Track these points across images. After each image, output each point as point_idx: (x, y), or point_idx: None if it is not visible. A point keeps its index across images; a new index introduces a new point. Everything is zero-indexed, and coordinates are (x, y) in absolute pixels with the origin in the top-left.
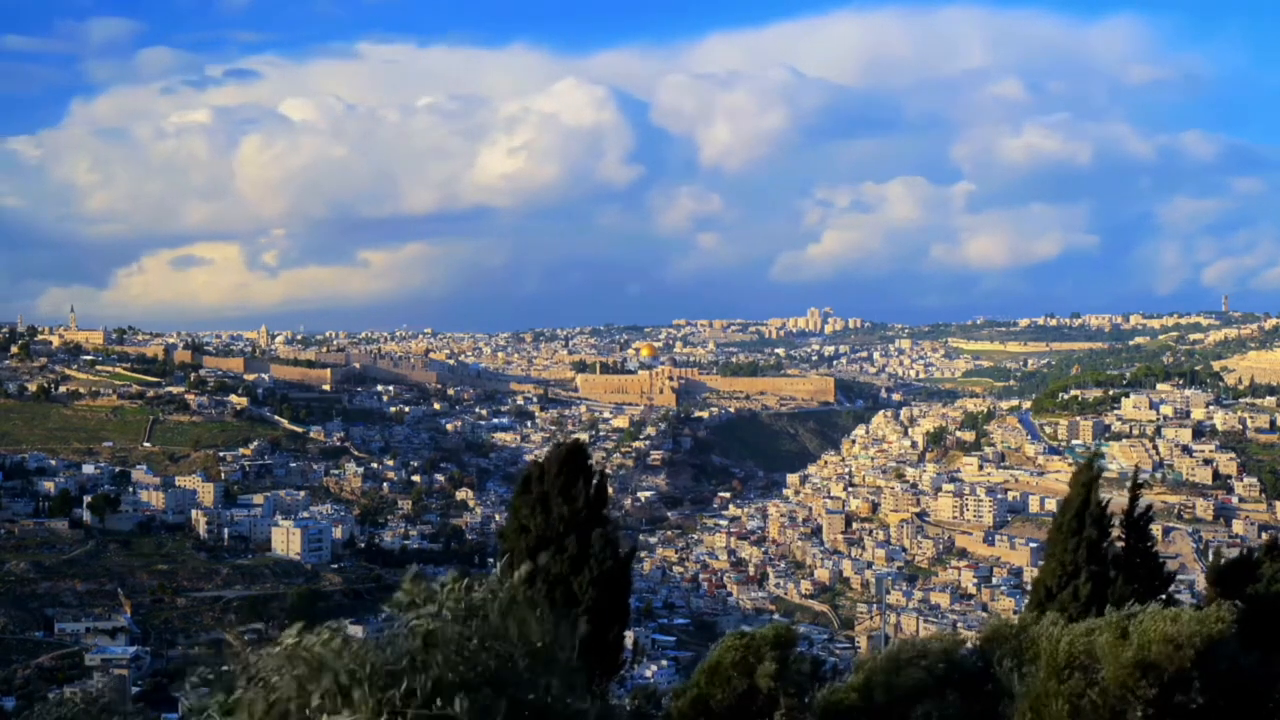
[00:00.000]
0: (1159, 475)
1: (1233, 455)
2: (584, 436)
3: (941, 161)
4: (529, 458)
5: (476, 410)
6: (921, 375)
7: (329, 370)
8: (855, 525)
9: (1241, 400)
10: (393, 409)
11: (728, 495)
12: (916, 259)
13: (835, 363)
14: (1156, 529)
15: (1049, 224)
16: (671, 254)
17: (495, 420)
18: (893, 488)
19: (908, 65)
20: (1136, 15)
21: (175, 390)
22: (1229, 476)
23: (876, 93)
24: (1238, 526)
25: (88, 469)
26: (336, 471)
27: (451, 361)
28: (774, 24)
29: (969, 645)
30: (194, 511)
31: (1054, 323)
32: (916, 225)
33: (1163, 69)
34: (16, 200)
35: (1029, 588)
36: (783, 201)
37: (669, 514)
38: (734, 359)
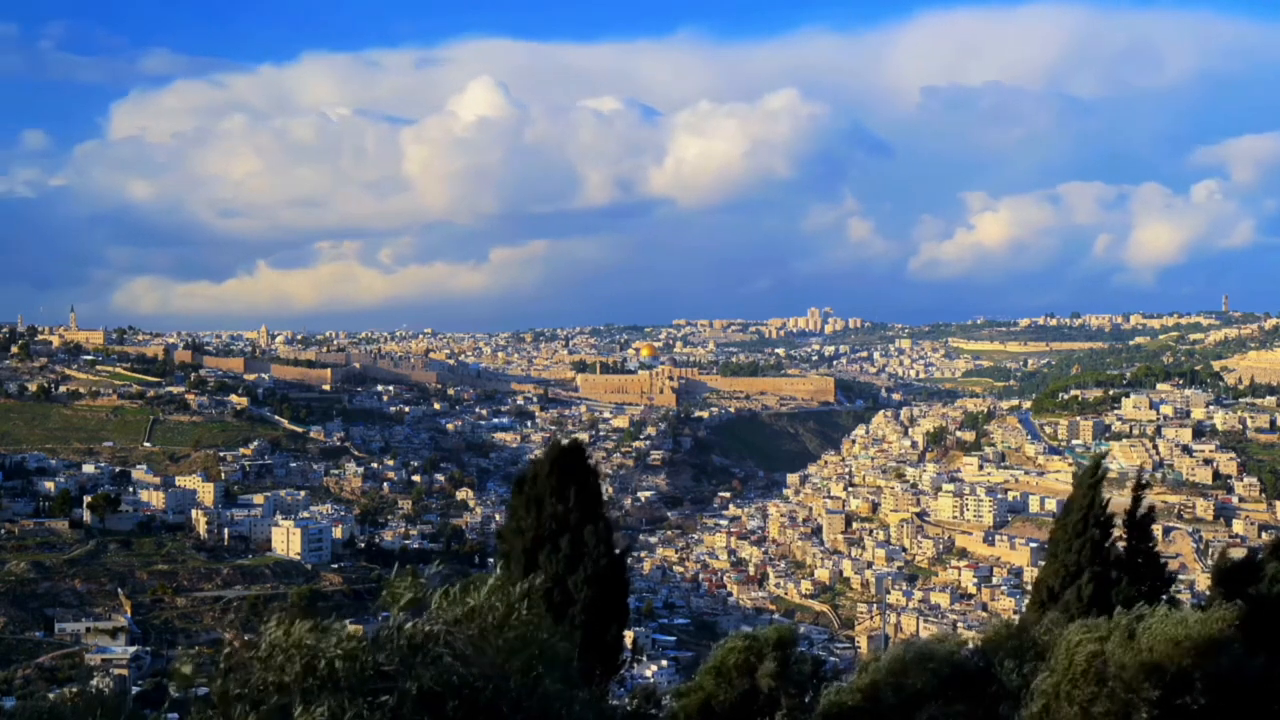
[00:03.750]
0: (1159, 475)
1: (1233, 455)
2: (584, 436)
3: (1123, 162)
4: (529, 458)
5: (476, 410)
6: (921, 375)
7: (329, 370)
8: (855, 525)
9: (1241, 400)
10: (393, 409)
11: (728, 495)
12: (1063, 258)
13: (835, 363)
14: (1157, 529)
15: (1230, 223)
16: (817, 247)
17: (495, 420)
18: (893, 488)
19: (1098, 63)
20: None
21: (175, 390)
22: (1229, 476)
23: (1061, 89)
24: (1238, 526)
25: (88, 469)
26: (336, 471)
27: (451, 361)
28: (966, 8)
29: (971, 647)
30: (194, 511)
31: (1054, 323)
32: (1075, 224)
33: None
34: (150, 190)
35: (1029, 588)
36: (944, 200)
37: (669, 514)
38: (734, 359)
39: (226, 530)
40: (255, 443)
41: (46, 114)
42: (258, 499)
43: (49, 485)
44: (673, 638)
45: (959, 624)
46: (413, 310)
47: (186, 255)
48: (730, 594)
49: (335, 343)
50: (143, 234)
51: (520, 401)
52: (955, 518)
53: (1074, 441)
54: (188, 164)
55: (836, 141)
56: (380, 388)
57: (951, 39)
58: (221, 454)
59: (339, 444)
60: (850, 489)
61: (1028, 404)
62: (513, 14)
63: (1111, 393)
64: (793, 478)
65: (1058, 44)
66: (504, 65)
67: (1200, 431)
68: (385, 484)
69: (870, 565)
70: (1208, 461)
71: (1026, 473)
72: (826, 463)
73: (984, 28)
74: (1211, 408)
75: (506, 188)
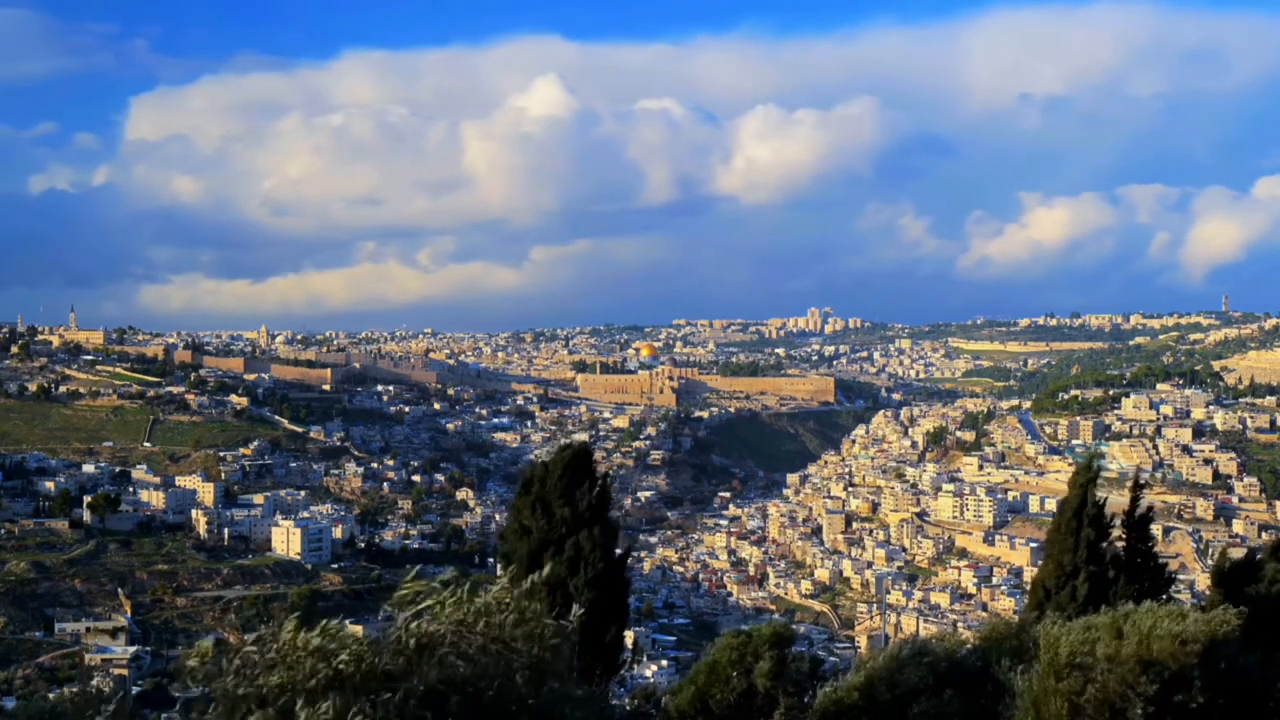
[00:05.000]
0: (1159, 475)
1: (1233, 455)
2: (584, 436)
3: (1180, 164)
4: (529, 458)
5: (476, 410)
6: (921, 375)
7: (329, 370)
8: (855, 525)
9: (1241, 400)
10: (393, 409)
11: (728, 495)
12: (1117, 258)
13: (835, 363)
14: (1156, 529)
15: None
16: (867, 244)
17: (495, 420)
18: (893, 488)
19: (1167, 64)
20: None
21: (175, 390)
22: (1229, 476)
23: (1130, 90)
24: (1238, 526)
25: (88, 469)
26: (336, 471)
27: (451, 361)
28: (1034, 7)
29: (969, 645)
30: (194, 511)
31: (1054, 322)
32: (1137, 223)
33: None
34: (197, 188)
35: (1029, 588)
36: (1003, 200)
37: (669, 514)
38: (734, 359)
39: (226, 530)
40: (255, 443)
41: (99, 110)
42: (258, 499)
43: (49, 485)
44: (673, 638)
45: (959, 624)
46: (443, 310)
47: (231, 254)
48: (730, 594)
49: (335, 343)
50: (187, 232)
51: (520, 401)
52: (955, 518)
53: (1074, 441)
54: (236, 161)
55: (903, 144)
56: (380, 388)
57: (1019, 37)
58: (221, 454)
59: (339, 444)
60: (850, 489)
61: (1028, 404)
62: (564, 12)
63: (1111, 393)
64: (793, 478)
65: (1128, 44)
66: (557, 64)
67: (1200, 431)
68: (385, 484)
69: (870, 565)
70: (1208, 461)
71: (1026, 473)
72: (826, 463)
73: (1052, 27)
74: (1211, 408)
75: (566, 186)
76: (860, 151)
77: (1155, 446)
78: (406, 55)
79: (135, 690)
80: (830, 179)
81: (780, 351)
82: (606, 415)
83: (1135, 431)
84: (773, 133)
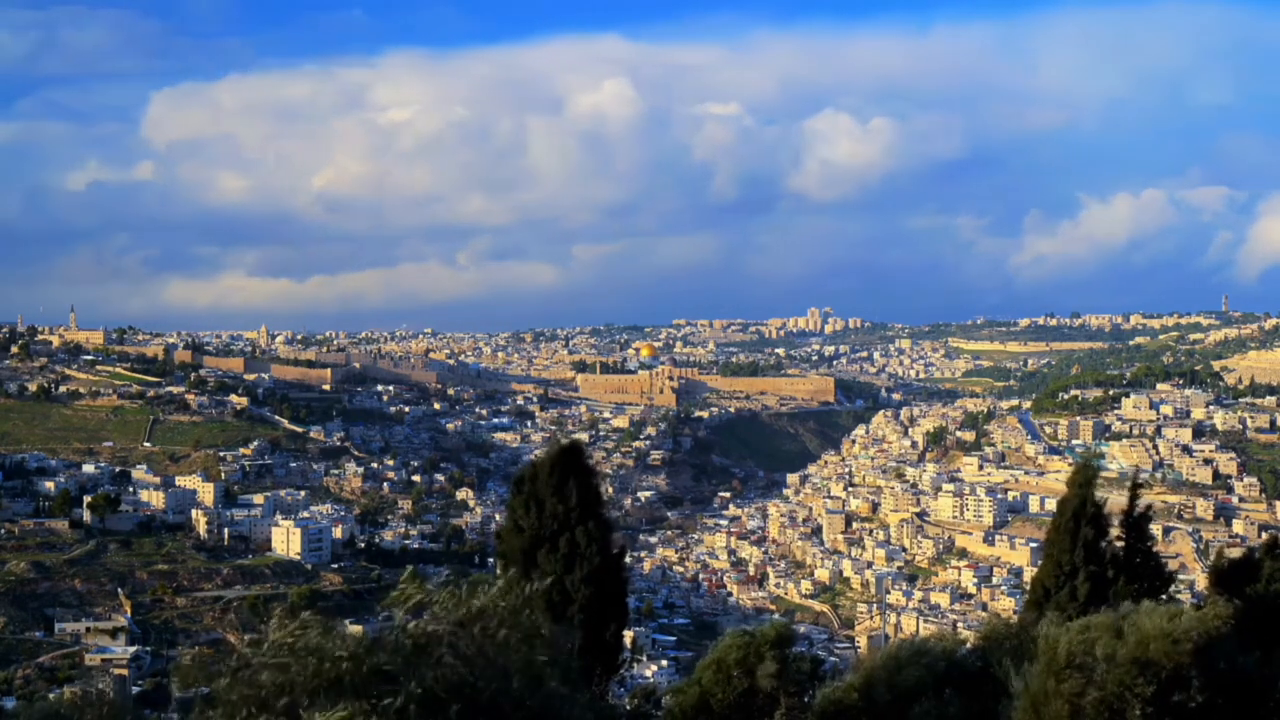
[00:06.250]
0: (1159, 475)
1: (1233, 455)
2: (584, 436)
3: (1244, 166)
4: (530, 458)
5: (476, 410)
6: (921, 375)
7: (329, 370)
8: (855, 525)
9: (1241, 400)
10: (393, 409)
11: (728, 495)
12: (1177, 258)
13: (835, 363)
14: (1156, 529)
15: None
16: (920, 243)
17: (495, 420)
18: (893, 488)
19: (1243, 64)
20: None
21: (175, 390)
22: (1229, 476)
23: (1193, 88)
24: (1238, 526)
25: (88, 469)
26: (336, 471)
27: (451, 361)
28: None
29: (969, 645)
30: (194, 511)
31: (1054, 323)
32: (1201, 223)
33: None
34: (243, 185)
35: (1028, 587)
36: (1061, 200)
37: (669, 514)
38: (734, 359)
39: (226, 530)
40: (255, 443)
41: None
42: (258, 499)
43: (49, 485)
44: (673, 638)
45: (959, 624)
46: (476, 308)
47: (278, 253)
48: (730, 594)
49: (335, 343)
50: (232, 231)
51: (520, 401)
52: (955, 518)
53: (1074, 441)
54: (287, 160)
55: (969, 144)
56: (380, 388)
57: (1087, 36)
58: (221, 454)
59: (339, 444)
60: (850, 489)
61: (1028, 404)
62: (618, 8)
63: (1111, 393)
64: (793, 478)
65: (1197, 45)
66: (615, 62)
67: (1200, 431)
68: (385, 484)
69: (870, 565)
70: (1208, 461)
71: (1026, 473)
72: (826, 463)
73: (1121, 26)
74: (1211, 408)
75: (625, 186)
76: (925, 155)
77: (1155, 446)
78: (452, 54)
79: (135, 690)
80: (891, 181)
81: (780, 351)
82: (606, 415)
83: (1135, 431)
84: (835, 135)
